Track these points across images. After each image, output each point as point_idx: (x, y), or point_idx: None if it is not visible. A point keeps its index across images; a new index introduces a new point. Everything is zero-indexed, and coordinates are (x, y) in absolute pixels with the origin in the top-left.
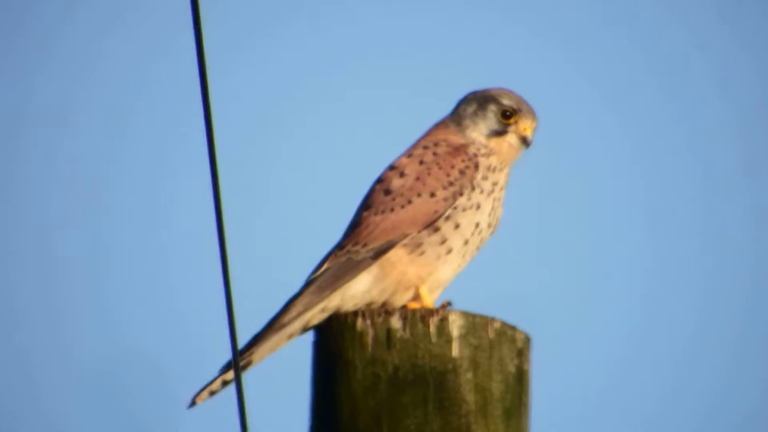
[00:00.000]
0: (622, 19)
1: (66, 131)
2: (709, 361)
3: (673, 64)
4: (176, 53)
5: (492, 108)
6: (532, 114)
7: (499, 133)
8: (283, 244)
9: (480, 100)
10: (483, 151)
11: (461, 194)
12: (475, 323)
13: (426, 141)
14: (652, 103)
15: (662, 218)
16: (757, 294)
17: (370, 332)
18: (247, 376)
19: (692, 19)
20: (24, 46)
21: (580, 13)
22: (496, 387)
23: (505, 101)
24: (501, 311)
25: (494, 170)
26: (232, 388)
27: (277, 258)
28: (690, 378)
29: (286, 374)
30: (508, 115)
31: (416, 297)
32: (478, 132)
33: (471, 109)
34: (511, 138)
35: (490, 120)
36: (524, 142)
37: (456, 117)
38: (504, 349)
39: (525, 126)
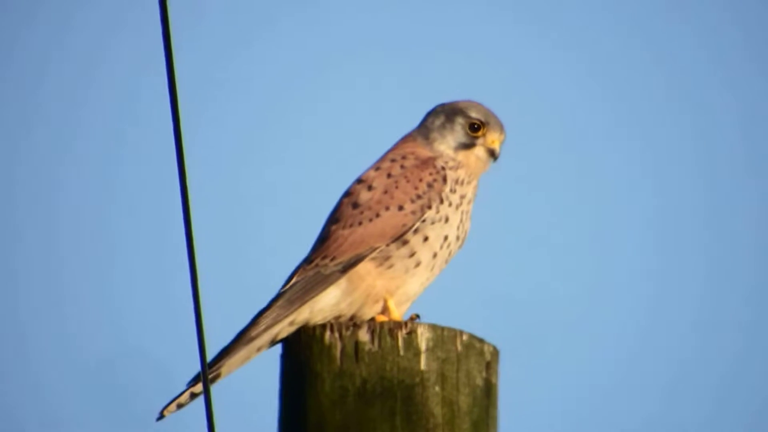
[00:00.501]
0: (596, 21)
1: (68, 131)
2: (671, 374)
3: (647, 68)
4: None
5: (460, 121)
6: (500, 127)
7: (467, 146)
8: (252, 257)
9: (448, 112)
10: (451, 164)
11: (429, 207)
12: (444, 336)
13: (394, 154)
14: (628, 110)
15: (629, 234)
16: (713, 310)
17: (339, 345)
18: (215, 389)
19: (683, 18)
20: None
21: (561, 17)
22: (464, 400)
23: (473, 114)
24: (469, 324)
25: (462, 183)
26: (200, 401)
27: (246, 271)
28: (659, 390)
29: (254, 387)
30: (476, 128)
31: (384, 310)
32: (445, 145)
33: (439, 121)
34: (479, 151)
35: (457, 133)
36: (492, 155)
37: (423, 130)
38: (472, 362)
39: (493, 139)
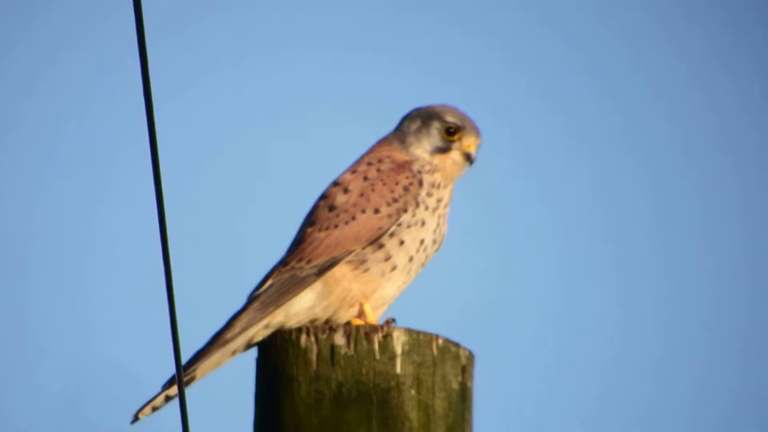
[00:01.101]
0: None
1: (15, 140)
2: (646, 376)
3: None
4: (122, 75)
5: (436, 125)
6: (476, 131)
7: (443, 150)
8: (225, 258)
9: (424, 117)
10: (427, 167)
11: (405, 211)
12: (419, 340)
13: (370, 157)
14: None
15: (603, 235)
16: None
17: (315, 349)
18: (190, 392)
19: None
20: None
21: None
22: (440, 404)
23: (449, 118)
24: (444, 328)
25: (438, 187)
26: (175, 404)
27: (220, 273)
28: (634, 391)
29: (229, 391)
30: (452, 132)
31: (360, 313)
32: (422, 149)
33: (415, 126)
34: (455, 155)
35: (433, 137)
36: (468, 159)
37: (399, 134)
38: (447, 366)
39: (469, 143)
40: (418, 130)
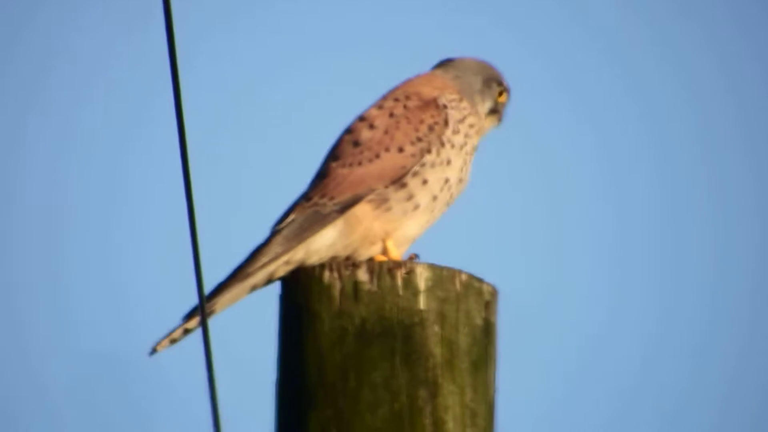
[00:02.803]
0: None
1: (23, 125)
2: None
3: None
4: (143, 45)
5: (495, 87)
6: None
7: (493, 111)
8: (248, 189)
9: (485, 77)
10: (453, 103)
11: (429, 151)
12: (442, 276)
13: (398, 92)
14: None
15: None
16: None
17: (338, 285)
18: (212, 329)
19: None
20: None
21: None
22: (463, 340)
23: (504, 81)
24: (467, 264)
25: (468, 125)
26: (194, 337)
27: (242, 204)
28: (661, 352)
29: (252, 326)
30: (500, 94)
31: (383, 250)
32: (484, 109)
33: (477, 84)
34: (496, 117)
35: (491, 99)
36: (500, 121)
37: (459, 83)
38: (471, 302)
39: (504, 105)
40: (482, 91)
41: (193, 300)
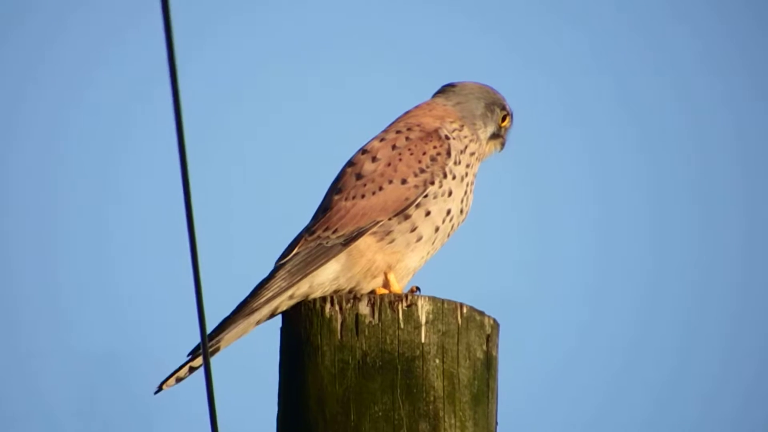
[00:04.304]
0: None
1: (16, 122)
2: (661, 351)
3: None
4: (141, 42)
5: (498, 112)
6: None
7: (495, 136)
8: (249, 225)
9: (488, 101)
10: (455, 133)
11: (432, 183)
12: (444, 309)
13: (400, 124)
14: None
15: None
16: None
17: (339, 318)
18: (214, 363)
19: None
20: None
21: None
22: (464, 373)
23: (507, 106)
24: (468, 297)
25: (468, 154)
26: (198, 375)
27: (244, 240)
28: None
29: (254, 361)
30: (503, 119)
31: (385, 283)
32: (485, 134)
33: (479, 109)
34: (499, 142)
35: (494, 124)
36: (503, 146)
37: (461, 109)
38: (472, 335)
39: (507, 131)
40: (484, 115)
41: (197, 337)
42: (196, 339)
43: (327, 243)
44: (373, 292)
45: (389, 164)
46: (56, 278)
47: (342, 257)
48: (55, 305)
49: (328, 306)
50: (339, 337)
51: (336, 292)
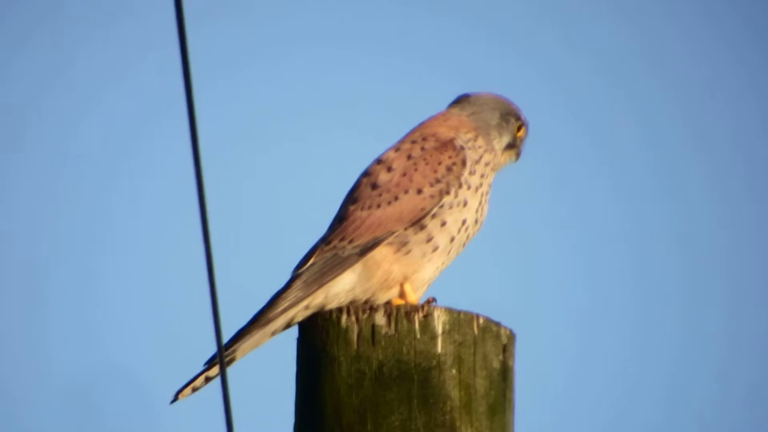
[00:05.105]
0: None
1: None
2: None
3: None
4: (160, 61)
5: (513, 122)
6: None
7: (511, 146)
8: (260, 236)
9: (503, 111)
10: (470, 143)
11: (448, 193)
12: (460, 320)
13: (415, 135)
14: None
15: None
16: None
17: (355, 329)
18: (230, 373)
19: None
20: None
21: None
22: (481, 383)
23: (522, 116)
24: (484, 308)
25: (483, 164)
26: (214, 385)
27: (258, 253)
28: (678, 376)
29: (270, 371)
30: (519, 129)
31: (401, 294)
32: (500, 145)
33: (495, 120)
34: (514, 153)
35: (509, 134)
36: (518, 156)
37: (476, 119)
38: (488, 346)
39: (522, 141)
40: (499, 126)
41: (211, 348)
42: (212, 349)
43: (343, 253)
44: (388, 302)
45: (405, 174)
46: (79, 292)
47: (358, 268)
48: (81, 320)
49: (344, 316)
50: (355, 347)
51: (352, 302)
